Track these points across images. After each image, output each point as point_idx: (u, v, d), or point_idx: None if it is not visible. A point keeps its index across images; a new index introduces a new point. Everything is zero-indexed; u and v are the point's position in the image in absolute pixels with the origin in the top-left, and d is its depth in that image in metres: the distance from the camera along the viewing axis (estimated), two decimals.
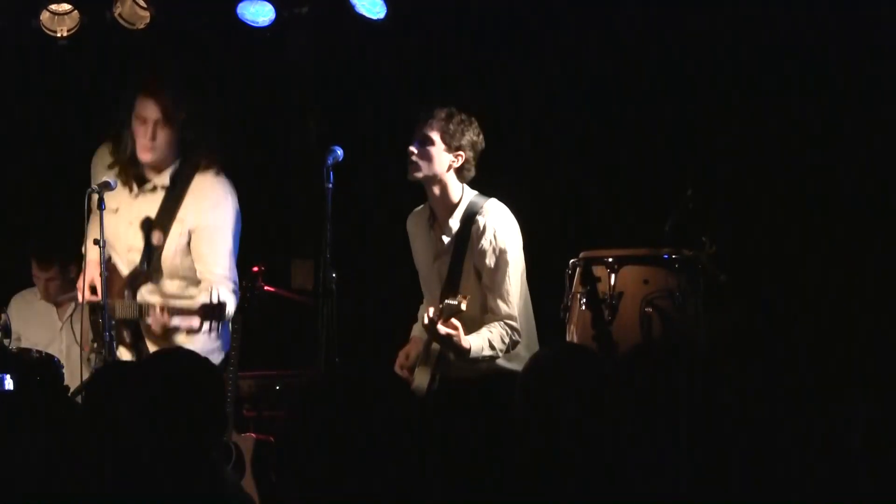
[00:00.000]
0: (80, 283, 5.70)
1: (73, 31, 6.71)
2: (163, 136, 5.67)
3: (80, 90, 7.32)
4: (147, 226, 5.74)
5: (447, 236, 5.63)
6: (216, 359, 5.74)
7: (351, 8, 6.44)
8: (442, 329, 5.37)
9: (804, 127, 6.50)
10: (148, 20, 6.61)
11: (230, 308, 5.66)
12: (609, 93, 6.84)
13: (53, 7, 6.68)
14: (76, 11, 6.68)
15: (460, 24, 6.81)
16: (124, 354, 5.78)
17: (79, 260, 6.53)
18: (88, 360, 5.96)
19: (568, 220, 6.38)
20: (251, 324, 6.11)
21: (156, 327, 5.58)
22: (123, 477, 3.34)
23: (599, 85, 6.84)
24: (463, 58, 6.65)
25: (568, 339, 5.66)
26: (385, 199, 7.14)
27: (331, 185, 5.47)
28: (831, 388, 3.42)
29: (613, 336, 5.53)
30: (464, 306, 5.38)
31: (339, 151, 5.55)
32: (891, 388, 5.02)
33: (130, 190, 5.77)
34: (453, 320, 5.39)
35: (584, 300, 5.55)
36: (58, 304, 6.98)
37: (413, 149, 5.56)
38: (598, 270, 5.62)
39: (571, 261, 5.70)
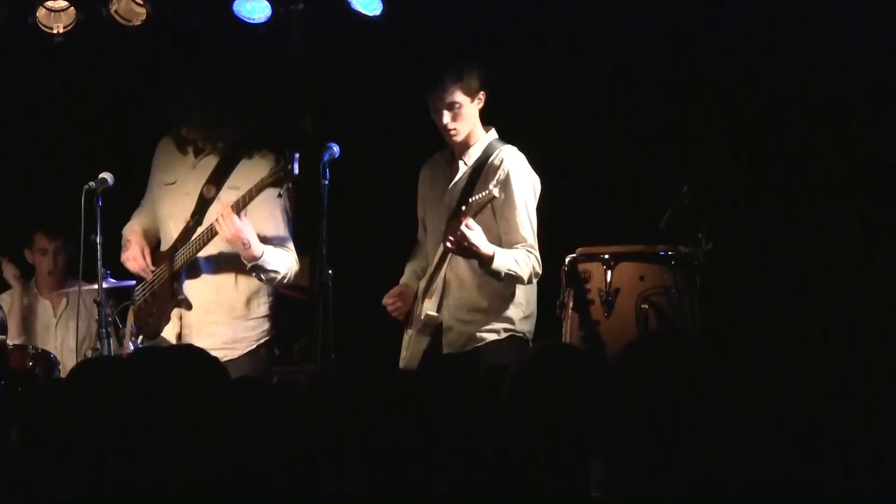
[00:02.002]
0: (127, 254, 5.80)
1: (69, 28, 6.71)
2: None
3: (77, 87, 7.31)
4: (201, 186, 5.83)
5: (465, 164, 5.71)
6: (247, 345, 5.79)
7: (347, 5, 6.44)
8: (468, 227, 5.36)
9: (801, 123, 6.51)
10: (144, 17, 6.61)
11: (288, 275, 5.73)
12: (605, 90, 6.84)
13: (50, 4, 6.67)
14: (72, 8, 6.67)
15: (456, 21, 6.81)
16: (170, 335, 5.83)
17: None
18: (85, 355, 5.97)
19: (564, 217, 6.38)
20: None
21: (227, 227, 5.56)
22: (122, 475, 3.34)
23: (595, 82, 6.85)
24: (459, 54, 6.64)
25: (564, 335, 5.67)
26: (381, 195, 7.14)
27: (327, 182, 5.48)
28: (826, 386, 3.42)
29: (609, 333, 5.55)
30: (496, 191, 5.37)
31: (336, 148, 5.56)
32: (889, 385, 5.02)
33: (183, 160, 5.88)
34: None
35: (572, 302, 5.58)
36: (52, 299, 6.98)
37: (446, 120, 5.61)
38: (594, 267, 5.64)
39: (567, 257, 5.71)
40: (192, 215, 5.81)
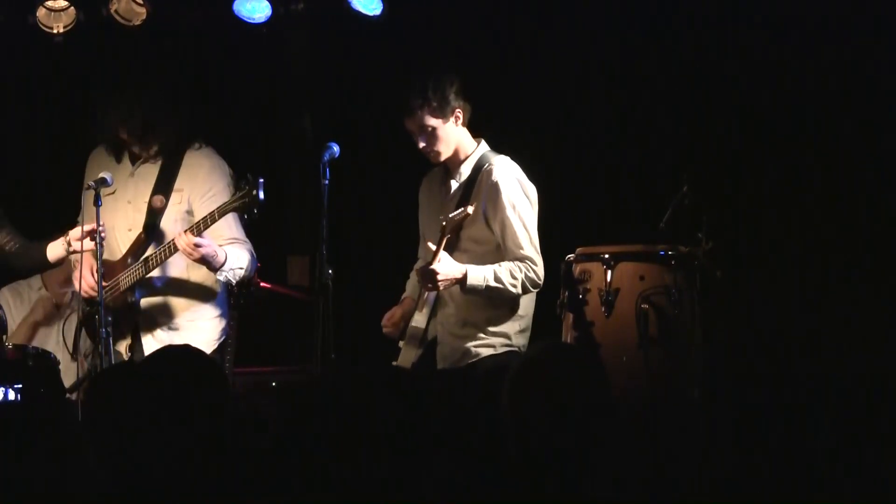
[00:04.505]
0: (76, 274, 5.74)
1: (69, 28, 6.71)
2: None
3: (77, 87, 7.31)
4: (146, 194, 5.80)
5: (456, 182, 5.68)
6: (210, 349, 5.78)
7: (347, 5, 6.45)
8: (429, 269, 5.40)
9: (800, 123, 6.51)
10: (144, 16, 6.61)
11: (250, 268, 5.76)
12: (605, 90, 6.84)
13: (50, 3, 6.67)
14: (72, 8, 6.67)
15: (456, 20, 6.82)
16: (121, 347, 5.79)
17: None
18: (85, 356, 5.95)
19: (564, 217, 6.38)
20: (247, 320, 6.12)
21: (192, 252, 5.55)
22: (124, 476, 3.34)
23: (595, 82, 6.85)
24: (459, 54, 6.66)
25: (564, 335, 5.67)
26: (381, 195, 7.14)
27: (327, 182, 5.48)
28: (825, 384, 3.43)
29: (609, 333, 5.55)
30: (471, 210, 5.41)
31: (336, 148, 5.56)
32: (888, 384, 5.03)
33: (120, 168, 5.82)
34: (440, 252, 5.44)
35: (566, 303, 5.58)
36: (56, 295, 6.95)
37: (422, 144, 5.59)
38: (594, 267, 5.64)
39: (567, 257, 5.71)
40: (144, 227, 5.79)
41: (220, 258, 5.61)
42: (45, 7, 6.68)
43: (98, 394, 3.54)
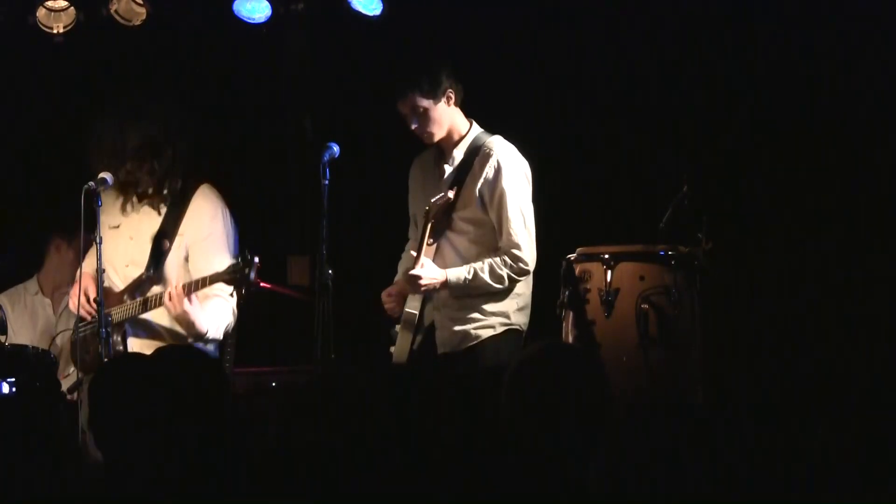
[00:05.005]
0: (74, 290, 5.73)
1: (69, 28, 6.72)
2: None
3: (77, 87, 7.31)
4: (152, 235, 5.79)
5: (450, 165, 5.71)
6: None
7: (347, 5, 6.45)
8: (409, 278, 5.47)
9: (800, 122, 6.51)
10: (144, 17, 6.62)
11: (230, 321, 5.78)
12: (605, 89, 6.84)
13: (50, 3, 6.68)
14: (72, 8, 6.68)
15: (456, 20, 6.81)
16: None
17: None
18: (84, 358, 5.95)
19: (564, 217, 6.38)
20: (247, 320, 6.12)
21: (176, 307, 5.57)
22: (124, 476, 3.34)
23: (596, 81, 6.85)
24: (458, 54, 6.65)
25: (564, 335, 5.67)
26: (381, 195, 7.14)
27: (327, 182, 5.48)
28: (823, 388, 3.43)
29: (609, 333, 5.55)
30: (451, 194, 5.48)
31: (336, 148, 5.57)
32: (888, 385, 5.03)
33: (126, 204, 5.83)
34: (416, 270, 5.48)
35: (566, 302, 5.59)
36: (53, 298, 6.95)
37: (414, 125, 5.63)
38: (594, 267, 5.64)
39: (567, 257, 5.71)
40: (147, 267, 5.78)
41: (202, 330, 5.61)
42: (45, 7, 6.68)
43: (103, 384, 3.55)
